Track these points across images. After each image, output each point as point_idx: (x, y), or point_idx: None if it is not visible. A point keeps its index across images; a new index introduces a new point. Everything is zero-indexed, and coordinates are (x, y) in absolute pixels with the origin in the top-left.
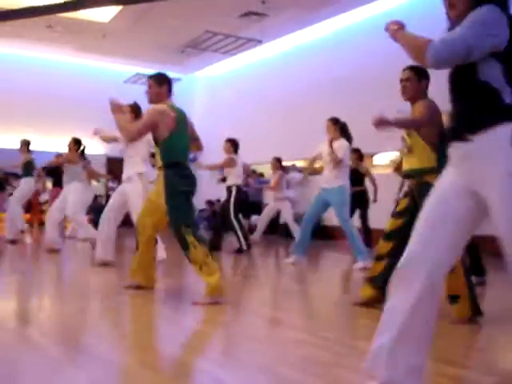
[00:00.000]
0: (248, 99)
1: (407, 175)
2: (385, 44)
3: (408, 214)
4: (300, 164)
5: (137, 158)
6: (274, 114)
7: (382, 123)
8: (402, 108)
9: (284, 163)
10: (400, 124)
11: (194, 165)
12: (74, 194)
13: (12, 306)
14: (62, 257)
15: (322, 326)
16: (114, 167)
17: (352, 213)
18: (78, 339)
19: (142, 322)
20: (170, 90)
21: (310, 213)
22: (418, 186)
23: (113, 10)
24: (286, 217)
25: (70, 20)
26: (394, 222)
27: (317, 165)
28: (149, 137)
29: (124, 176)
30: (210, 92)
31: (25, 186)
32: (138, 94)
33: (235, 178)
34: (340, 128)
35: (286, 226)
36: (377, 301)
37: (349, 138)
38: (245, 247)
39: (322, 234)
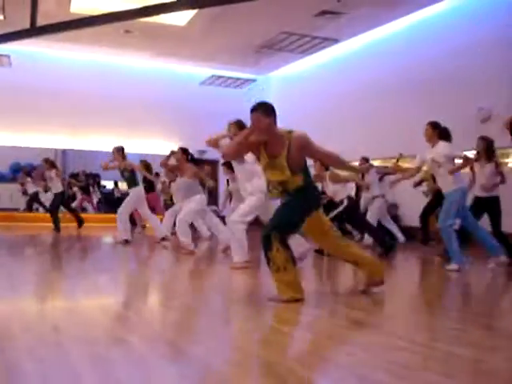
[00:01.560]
0: (323, 98)
1: None
2: (460, 40)
3: None
4: (376, 163)
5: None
6: (349, 112)
7: None
8: (482, 106)
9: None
10: None
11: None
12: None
13: (100, 303)
14: (147, 256)
15: (407, 328)
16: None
17: (479, 217)
18: (166, 337)
19: (221, 320)
20: (275, 118)
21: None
22: None
23: (188, 14)
24: (372, 215)
25: (147, 24)
26: None
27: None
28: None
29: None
30: (284, 92)
31: (133, 196)
32: (214, 95)
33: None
34: (439, 132)
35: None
36: None
37: (450, 140)
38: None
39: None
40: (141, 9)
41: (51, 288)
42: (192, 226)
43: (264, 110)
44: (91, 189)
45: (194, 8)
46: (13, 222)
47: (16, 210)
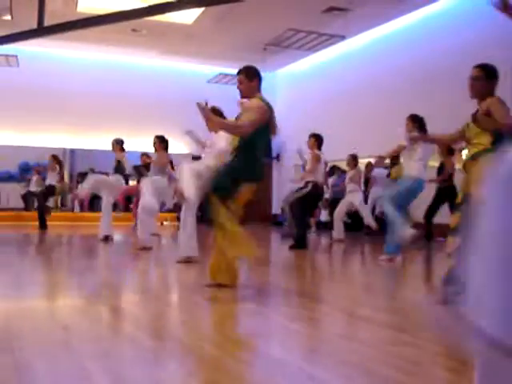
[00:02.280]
0: (330, 95)
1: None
2: (467, 35)
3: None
4: (386, 160)
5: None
6: (357, 108)
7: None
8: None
9: (369, 159)
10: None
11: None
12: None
13: (108, 301)
14: (153, 254)
15: (412, 324)
16: None
17: (437, 207)
18: (170, 333)
19: (229, 317)
20: (260, 83)
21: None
22: None
23: (196, 12)
24: (360, 207)
25: (154, 23)
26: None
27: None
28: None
29: None
30: (292, 89)
31: (114, 184)
32: (221, 93)
33: (312, 174)
34: (418, 124)
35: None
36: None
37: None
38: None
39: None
40: (148, 7)
41: (59, 286)
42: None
43: (247, 73)
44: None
45: (200, 6)
46: (20, 221)
47: (25, 209)
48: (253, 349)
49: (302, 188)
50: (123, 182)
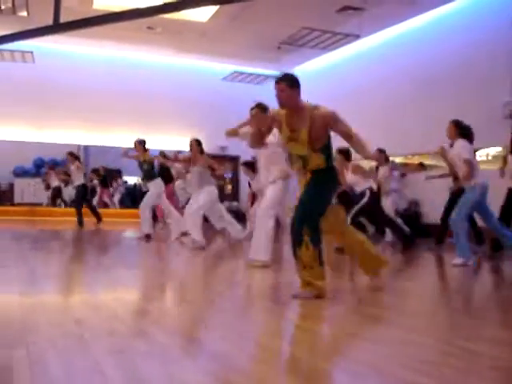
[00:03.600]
0: (345, 94)
1: None
2: (483, 32)
3: None
4: (398, 160)
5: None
6: (370, 107)
7: None
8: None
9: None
10: None
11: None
12: (209, 197)
13: (122, 297)
14: (168, 251)
15: (426, 324)
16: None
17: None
18: (187, 331)
19: (243, 316)
20: (300, 91)
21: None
22: None
23: (211, 10)
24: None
25: (169, 21)
26: None
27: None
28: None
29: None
30: (306, 88)
31: (154, 190)
32: (236, 91)
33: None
34: (460, 129)
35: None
36: None
37: (471, 139)
38: None
39: (422, 232)
40: (163, 5)
41: (73, 282)
42: (205, 219)
43: (289, 80)
44: (114, 184)
45: (215, 4)
46: (36, 216)
47: (39, 204)
48: (267, 347)
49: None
50: (162, 184)
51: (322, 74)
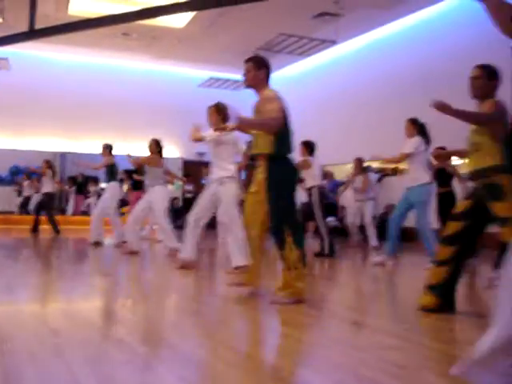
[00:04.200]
0: (322, 99)
1: (472, 176)
2: (459, 39)
3: (470, 217)
4: (376, 165)
5: (228, 160)
6: (347, 113)
7: (443, 108)
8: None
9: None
10: (462, 114)
11: None
12: (161, 200)
13: (98, 305)
14: (142, 258)
15: (406, 329)
16: (190, 170)
17: (439, 214)
18: (163, 338)
19: (224, 323)
20: (268, 75)
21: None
22: (484, 187)
23: (187, 16)
24: (367, 219)
25: (145, 27)
26: (454, 225)
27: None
28: (234, 137)
29: (214, 177)
30: (282, 93)
31: (111, 191)
32: (212, 97)
33: (312, 179)
34: (418, 127)
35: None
36: (437, 309)
37: (427, 137)
38: (328, 252)
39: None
40: (139, 11)
41: (49, 290)
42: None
43: (256, 61)
44: (90, 191)
45: (191, 10)
46: (9, 224)
47: (13, 212)
48: (245, 354)
49: (309, 195)
50: (118, 187)
51: (299, 79)
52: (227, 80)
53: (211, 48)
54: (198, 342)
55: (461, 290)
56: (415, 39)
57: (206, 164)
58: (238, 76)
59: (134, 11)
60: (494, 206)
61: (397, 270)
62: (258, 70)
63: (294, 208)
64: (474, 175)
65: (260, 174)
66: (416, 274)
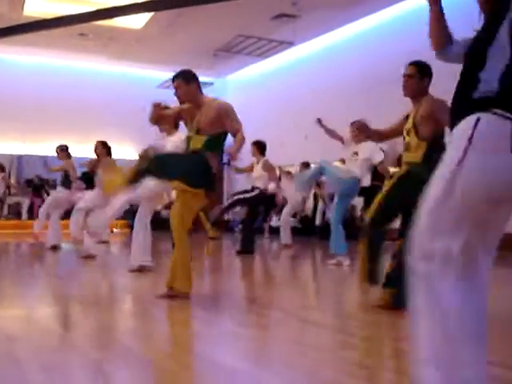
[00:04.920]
0: (280, 101)
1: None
2: (415, 43)
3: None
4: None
5: None
6: (306, 115)
7: (362, 130)
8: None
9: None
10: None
11: (230, 169)
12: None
13: (53, 310)
14: (98, 262)
15: (361, 327)
16: None
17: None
18: (117, 342)
19: (180, 325)
20: (199, 85)
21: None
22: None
23: (145, 17)
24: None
25: (102, 27)
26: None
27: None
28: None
29: None
30: (241, 95)
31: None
32: (172, 98)
33: (265, 180)
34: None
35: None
36: (392, 305)
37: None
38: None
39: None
40: (95, 12)
41: (4, 296)
42: None
43: (183, 77)
44: (47, 194)
45: (149, 11)
46: None
47: None
48: (203, 356)
49: (247, 191)
50: (64, 191)
51: (258, 81)
52: None
53: (170, 49)
54: (152, 345)
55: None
56: (373, 41)
57: None
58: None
59: (91, 12)
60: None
61: (353, 270)
62: (187, 84)
63: None
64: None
65: None
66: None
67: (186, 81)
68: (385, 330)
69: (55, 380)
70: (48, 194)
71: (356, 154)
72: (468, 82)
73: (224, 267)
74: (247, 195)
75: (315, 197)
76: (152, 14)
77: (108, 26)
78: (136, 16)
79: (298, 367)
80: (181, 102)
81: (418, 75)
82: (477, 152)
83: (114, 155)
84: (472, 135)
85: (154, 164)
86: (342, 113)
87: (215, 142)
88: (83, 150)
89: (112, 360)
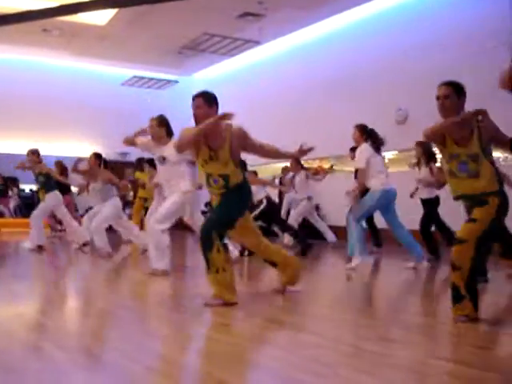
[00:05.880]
0: (246, 100)
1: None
2: (380, 44)
3: None
4: (306, 165)
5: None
6: (273, 114)
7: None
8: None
9: (284, 164)
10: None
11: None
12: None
13: (17, 312)
14: (66, 263)
15: (326, 326)
16: (113, 171)
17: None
18: (85, 346)
19: (149, 328)
20: (217, 111)
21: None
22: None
23: (109, 13)
24: (296, 215)
25: (66, 23)
26: None
27: None
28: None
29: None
30: None
31: (50, 202)
32: (136, 96)
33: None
34: (367, 135)
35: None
36: None
37: (375, 142)
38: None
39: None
40: (58, 7)
41: None
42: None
43: (207, 98)
44: (10, 193)
45: (113, 7)
46: None
47: None
48: (165, 358)
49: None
50: (60, 197)
51: (224, 79)
52: (151, 79)
53: (134, 46)
54: (117, 347)
55: (380, 288)
56: (339, 42)
57: (129, 164)
58: (162, 75)
59: (54, 7)
60: None
61: (321, 270)
62: (209, 107)
63: (234, 222)
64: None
65: None
66: (337, 272)
67: (208, 102)
68: (352, 330)
69: (16, 382)
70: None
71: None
72: None
73: (191, 268)
74: (258, 210)
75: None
76: (116, 10)
77: (71, 21)
78: (100, 12)
79: (261, 367)
80: (196, 122)
81: (456, 95)
82: None
83: (75, 153)
84: None
85: None
86: (308, 112)
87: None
88: (44, 148)
89: (74, 362)
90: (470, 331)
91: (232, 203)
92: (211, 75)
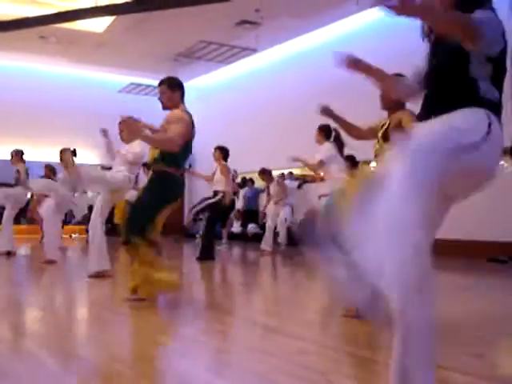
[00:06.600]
0: (243, 107)
1: None
2: (378, 52)
3: None
4: (296, 172)
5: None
6: (269, 121)
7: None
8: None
9: (281, 171)
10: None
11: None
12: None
13: (8, 317)
14: (55, 268)
15: (319, 333)
16: None
17: None
18: (76, 351)
19: (139, 333)
20: (183, 94)
21: None
22: None
23: (107, 21)
24: (282, 222)
25: (63, 30)
26: None
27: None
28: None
29: None
30: (203, 101)
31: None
32: (133, 103)
33: (227, 185)
34: (325, 133)
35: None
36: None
37: (338, 142)
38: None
39: None
40: (57, 14)
41: None
42: None
43: (169, 83)
44: None
45: (110, 15)
46: None
47: None
48: (161, 364)
49: (210, 198)
50: (27, 194)
51: (220, 87)
52: (148, 86)
53: (131, 53)
54: (113, 354)
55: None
56: (335, 50)
57: None
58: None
59: (52, 14)
60: None
61: (310, 276)
62: (173, 92)
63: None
64: None
65: None
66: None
67: (171, 87)
68: (343, 336)
69: None
70: None
71: None
72: None
73: (186, 274)
74: (212, 200)
75: None
76: (113, 17)
77: (69, 29)
78: (97, 20)
79: (256, 374)
80: (164, 108)
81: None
82: None
83: (76, 161)
84: None
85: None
86: (304, 119)
87: (168, 153)
88: (41, 154)
89: (69, 370)
90: (463, 338)
91: (153, 192)
92: (207, 82)
